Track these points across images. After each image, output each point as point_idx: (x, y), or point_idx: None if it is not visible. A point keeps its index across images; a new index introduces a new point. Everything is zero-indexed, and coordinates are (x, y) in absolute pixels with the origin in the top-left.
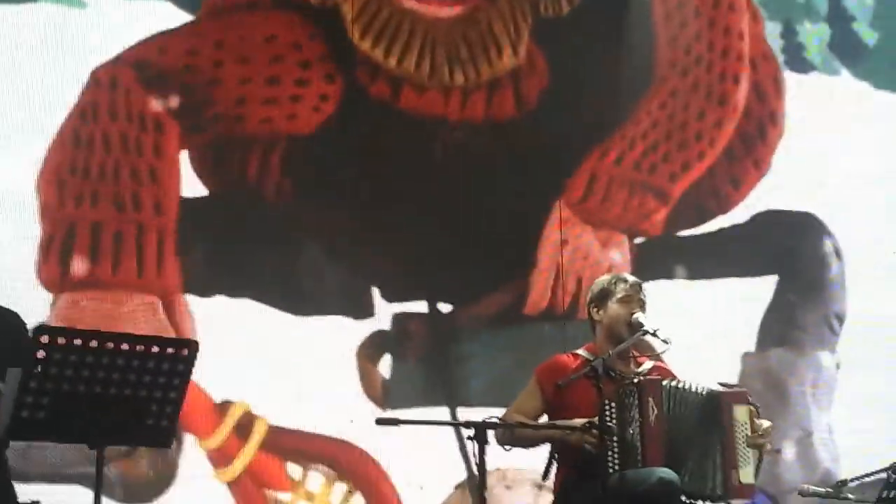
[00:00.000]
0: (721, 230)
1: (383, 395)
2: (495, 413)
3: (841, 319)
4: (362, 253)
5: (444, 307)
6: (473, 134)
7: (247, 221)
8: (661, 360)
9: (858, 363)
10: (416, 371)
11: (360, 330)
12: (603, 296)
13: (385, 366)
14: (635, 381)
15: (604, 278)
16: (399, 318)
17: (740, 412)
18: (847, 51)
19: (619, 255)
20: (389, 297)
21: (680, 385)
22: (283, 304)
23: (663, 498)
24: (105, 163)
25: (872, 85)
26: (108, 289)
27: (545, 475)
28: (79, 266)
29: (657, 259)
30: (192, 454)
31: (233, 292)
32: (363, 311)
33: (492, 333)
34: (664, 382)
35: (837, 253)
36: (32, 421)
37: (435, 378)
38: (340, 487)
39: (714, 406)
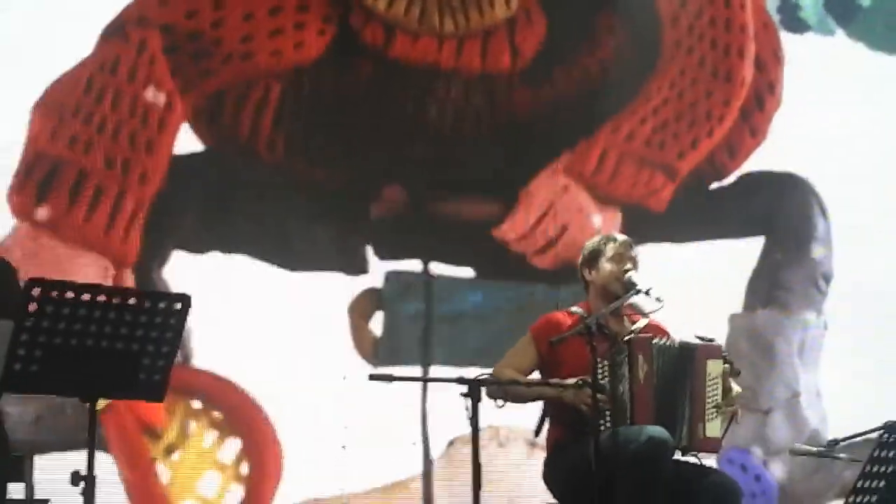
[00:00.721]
0: (708, 191)
1: (374, 351)
2: (487, 371)
3: (827, 279)
4: (356, 210)
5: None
6: (468, 87)
7: (241, 177)
8: (654, 318)
9: (845, 322)
10: (408, 328)
11: (353, 286)
12: (594, 256)
13: (377, 323)
14: (626, 338)
15: (594, 240)
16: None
17: (713, 367)
18: (842, 11)
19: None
20: (383, 254)
21: (670, 343)
22: (276, 259)
23: (654, 456)
24: (108, 118)
25: (867, 45)
26: (71, 235)
27: (537, 432)
28: (53, 203)
29: (644, 221)
30: None
31: (227, 248)
32: (357, 267)
33: (484, 292)
34: (654, 341)
35: (823, 212)
36: (24, 374)
37: (426, 336)
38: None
39: (688, 358)
